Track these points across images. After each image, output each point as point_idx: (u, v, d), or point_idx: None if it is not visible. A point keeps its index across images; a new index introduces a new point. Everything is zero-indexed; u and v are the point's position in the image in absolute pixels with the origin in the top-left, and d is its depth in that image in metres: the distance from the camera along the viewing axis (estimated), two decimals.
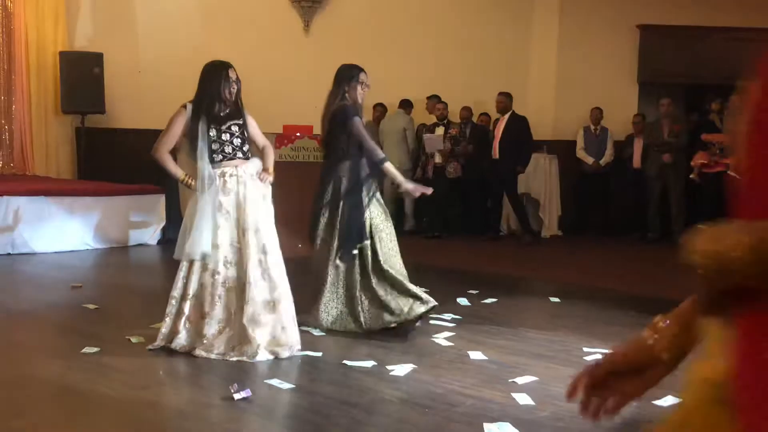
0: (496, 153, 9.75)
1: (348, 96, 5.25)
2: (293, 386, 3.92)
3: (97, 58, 10.09)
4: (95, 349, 4.49)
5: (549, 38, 11.36)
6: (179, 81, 10.47)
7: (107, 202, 8.47)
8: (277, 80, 10.73)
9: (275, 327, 4.45)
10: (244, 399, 3.68)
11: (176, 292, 4.49)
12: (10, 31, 10.21)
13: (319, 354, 4.53)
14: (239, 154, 4.60)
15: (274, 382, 3.96)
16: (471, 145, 10.05)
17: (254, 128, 4.75)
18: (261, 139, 4.78)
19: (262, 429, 3.42)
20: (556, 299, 6.33)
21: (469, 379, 4.13)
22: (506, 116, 9.80)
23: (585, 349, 4.74)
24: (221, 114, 4.58)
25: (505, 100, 9.80)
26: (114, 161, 10.15)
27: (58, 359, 4.39)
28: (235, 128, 4.60)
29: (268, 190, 4.67)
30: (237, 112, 4.65)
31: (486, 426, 3.43)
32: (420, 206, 10.42)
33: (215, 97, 4.56)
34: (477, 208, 10.40)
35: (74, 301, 5.72)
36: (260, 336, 4.38)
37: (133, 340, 4.70)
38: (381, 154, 5.14)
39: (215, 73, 4.61)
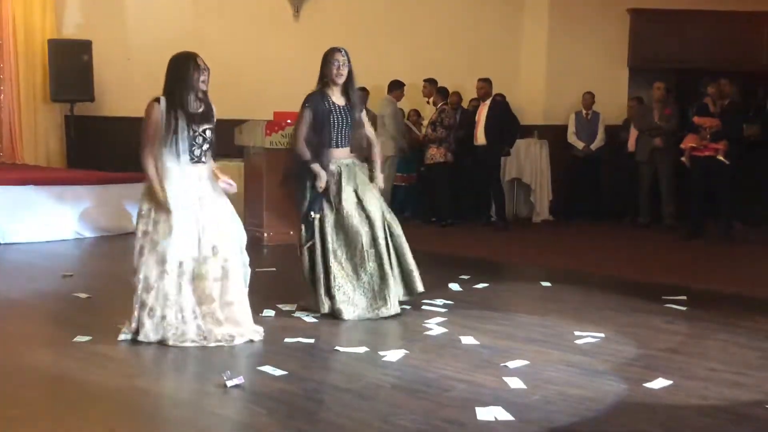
0: (480, 139, 9.74)
1: (327, 80, 5.20)
2: (286, 373, 3.93)
3: (85, 46, 10.03)
4: (87, 338, 4.48)
5: (539, 22, 11.33)
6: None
7: (97, 191, 8.44)
8: (268, 67, 10.69)
9: (233, 319, 4.47)
10: (236, 386, 3.69)
11: (140, 285, 4.45)
12: None
13: (312, 341, 4.54)
14: (203, 159, 4.58)
15: (267, 368, 3.97)
16: (462, 130, 10.04)
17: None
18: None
19: (255, 415, 3.43)
20: (547, 284, 6.35)
21: (460, 363, 4.15)
22: (487, 101, 9.80)
23: (576, 333, 4.76)
24: (197, 112, 4.54)
25: (485, 86, 9.78)
26: (104, 149, 10.11)
27: (50, 348, 4.38)
28: (208, 132, 4.58)
29: (221, 189, 4.65)
30: (209, 111, 4.62)
31: (478, 410, 3.44)
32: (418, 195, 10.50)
33: (188, 88, 4.51)
34: (467, 194, 10.40)
35: (65, 291, 5.71)
36: (224, 328, 4.42)
37: (124, 329, 4.69)
38: (306, 155, 5.08)
39: (185, 63, 4.57)
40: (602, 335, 4.74)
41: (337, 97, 5.20)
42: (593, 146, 10.67)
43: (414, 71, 10.72)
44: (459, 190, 10.16)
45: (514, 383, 3.83)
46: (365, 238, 5.07)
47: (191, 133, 4.50)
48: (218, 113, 4.74)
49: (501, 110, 9.82)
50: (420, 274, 5.30)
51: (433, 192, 10.12)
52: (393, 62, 10.97)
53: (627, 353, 4.43)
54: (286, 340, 4.54)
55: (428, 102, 10.37)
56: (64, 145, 10.52)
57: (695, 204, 8.81)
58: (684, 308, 5.51)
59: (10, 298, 5.52)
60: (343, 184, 5.10)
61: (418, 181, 10.77)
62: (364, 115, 5.35)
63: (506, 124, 9.79)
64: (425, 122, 10.46)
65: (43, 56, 10.14)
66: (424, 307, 5.36)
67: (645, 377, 3.97)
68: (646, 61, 11.09)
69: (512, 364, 4.12)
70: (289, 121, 8.26)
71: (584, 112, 10.79)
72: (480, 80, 9.82)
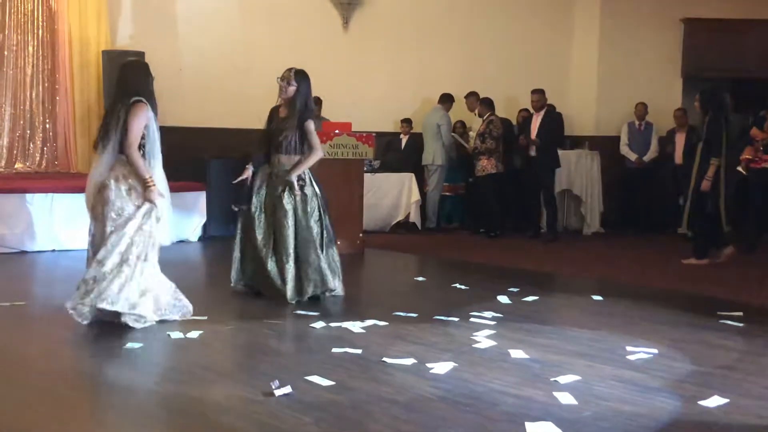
0: (532, 150, 9.68)
1: None
2: (333, 383, 3.92)
3: (139, 57, 10.18)
4: (138, 345, 4.53)
5: (590, 32, 11.24)
6: (219, 78, 10.61)
7: None
8: (316, 77, 10.68)
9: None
10: (284, 395, 3.69)
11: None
12: (53, 31, 10.36)
13: (359, 351, 4.52)
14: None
15: (314, 378, 3.96)
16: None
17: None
18: None
19: (302, 425, 3.42)
20: (599, 297, 6.25)
21: (510, 377, 4.09)
22: (541, 113, 9.72)
23: (628, 348, 4.67)
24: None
25: (541, 98, 9.72)
26: None
27: (101, 354, 4.43)
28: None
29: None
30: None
31: (528, 425, 3.38)
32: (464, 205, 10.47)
33: (153, 93, 4.94)
34: (515, 205, 10.34)
35: None
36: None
37: (173, 335, 4.74)
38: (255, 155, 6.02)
39: (145, 71, 5.05)
40: (655, 350, 4.64)
41: (282, 111, 5.94)
42: (646, 158, 10.52)
43: (463, 82, 10.71)
44: (508, 201, 10.11)
45: (565, 398, 3.76)
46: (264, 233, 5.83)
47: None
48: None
49: (554, 121, 9.76)
50: (469, 285, 5.28)
51: (482, 203, 10.07)
52: (441, 73, 10.97)
53: (681, 370, 4.33)
54: (334, 349, 4.52)
55: (475, 114, 10.36)
56: None
57: (751, 217, 8.61)
58: (740, 324, 5.37)
59: (62, 304, 5.60)
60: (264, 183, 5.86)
61: (465, 192, 10.74)
62: (309, 123, 5.87)
63: (559, 134, 9.75)
64: (471, 133, 10.44)
65: (97, 67, 10.33)
66: (472, 319, 5.31)
67: (700, 395, 3.87)
68: (700, 71, 10.92)
69: (563, 379, 4.05)
70: (337, 131, 8.30)
71: (637, 122, 10.65)
72: (534, 92, 9.75)
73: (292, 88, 5.85)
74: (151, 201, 4.86)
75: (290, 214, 5.77)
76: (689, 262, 7.90)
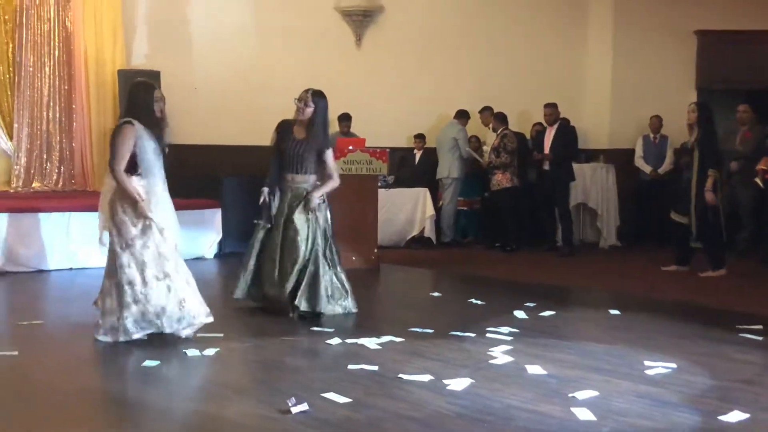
0: (546, 164, 9.66)
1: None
2: (350, 400, 3.91)
3: (154, 76, 10.25)
4: (155, 362, 4.54)
5: (604, 45, 11.23)
6: (233, 96, 10.66)
7: None
8: (330, 94, 10.73)
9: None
10: (301, 412, 3.68)
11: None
12: (69, 50, 10.44)
13: (375, 368, 4.51)
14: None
15: (331, 395, 3.95)
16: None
17: None
18: None
19: None
20: (616, 311, 6.21)
21: (527, 393, 4.07)
22: (555, 126, 9.71)
23: (646, 363, 4.63)
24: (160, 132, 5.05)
25: (554, 112, 9.72)
26: (171, 176, 10.27)
27: (119, 372, 4.44)
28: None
29: None
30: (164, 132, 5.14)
31: None
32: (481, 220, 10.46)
33: (153, 113, 5.00)
34: (530, 219, 10.31)
35: None
36: None
37: (189, 353, 4.75)
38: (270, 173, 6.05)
39: (145, 89, 5.08)
40: (674, 365, 4.60)
41: (298, 131, 5.91)
42: (661, 170, 10.47)
43: (476, 97, 10.72)
44: (523, 215, 10.08)
45: (583, 414, 3.73)
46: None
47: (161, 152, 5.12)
48: None
49: (567, 134, 9.76)
50: (485, 300, 5.26)
51: (498, 217, 10.05)
52: (454, 88, 10.98)
53: (700, 384, 4.29)
54: (350, 366, 4.52)
55: (489, 128, 10.37)
56: None
57: None
58: (759, 338, 5.32)
59: (80, 321, 5.62)
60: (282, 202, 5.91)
61: (481, 207, 10.73)
62: (329, 153, 5.97)
63: (573, 148, 9.74)
64: (485, 148, 10.45)
65: (113, 86, 10.40)
66: (489, 335, 5.29)
67: (720, 410, 3.83)
68: (715, 83, 10.87)
69: (580, 395, 4.02)
70: (351, 147, 8.32)
71: (652, 135, 10.61)
72: (547, 105, 9.74)
73: (309, 110, 5.87)
74: (145, 216, 4.94)
75: (301, 231, 5.81)
76: (707, 275, 7.86)
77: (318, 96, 5.91)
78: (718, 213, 7.80)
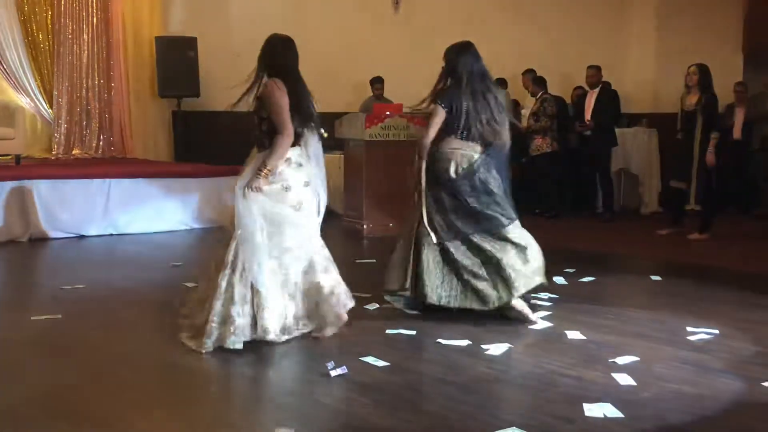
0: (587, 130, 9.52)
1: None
2: (388, 364, 3.91)
3: (191, 42, 10.27)
4: None
5: (648, 6, 10.98)
6: None
7: (204, 183, 8.64)
8: (368, 59, 10.71)
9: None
10: (340, 375, 3.70)
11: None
12: (107, 18, 10.49)
13: (413, 332, 4.51)
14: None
15: (370, 359, 3.96)
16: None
17: None
18: None
19: (360, 405, 3.42)
20: (657, 277, 6.12)
21: (567, 358, 4.03)
22: (596, 90, 9.53)
23: (689, 329, 4.57)
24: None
25: (597, 74, 9.52)
26: (210, 143, 10.33)
27: (161, 336, 4.49)
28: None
29: None
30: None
31: (586, 406, 3.33)
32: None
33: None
34: (570, 184, 10.18)
35: (175, 280, 5.85)
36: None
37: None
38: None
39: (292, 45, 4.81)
40: (717, 331, 4.53)
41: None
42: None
43: (516, 60, 10.56)
44: (563, 180, 9.96)
45: (624, 380, 3.69)
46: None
47: None
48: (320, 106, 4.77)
49: (609, 98, 9.59)
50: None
51: (537, 183, 9.94)
52: (492, 52, 10.77)
53: (744, 350, 4.22)
54: (388, 331, 4.52)
55: (528, 92, 10.22)
56: (172, 139, 10.81)
57: None
58: None
59: (123, 286, 5.71)
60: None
61: (519, 172, 10.61)
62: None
63: (615, 112, 9.60)
64: (524, 112, 10.30)
65: (150, 53, 10.44)
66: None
67: (764, 376, 3.76)
68: (762, 46, 10.57)
69: (621, 360, 3.97)
70: (388, 113, 8.26)
71: None
72: (590, 67, 9.55)
73: None
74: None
75: None
76: (694, 237, 8.02)
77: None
78: (722, 176, 7.98)
